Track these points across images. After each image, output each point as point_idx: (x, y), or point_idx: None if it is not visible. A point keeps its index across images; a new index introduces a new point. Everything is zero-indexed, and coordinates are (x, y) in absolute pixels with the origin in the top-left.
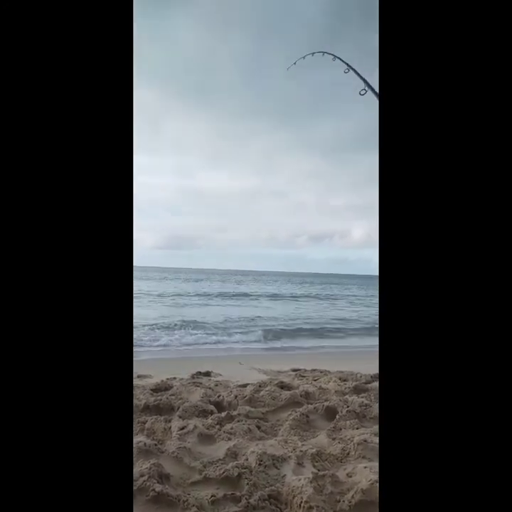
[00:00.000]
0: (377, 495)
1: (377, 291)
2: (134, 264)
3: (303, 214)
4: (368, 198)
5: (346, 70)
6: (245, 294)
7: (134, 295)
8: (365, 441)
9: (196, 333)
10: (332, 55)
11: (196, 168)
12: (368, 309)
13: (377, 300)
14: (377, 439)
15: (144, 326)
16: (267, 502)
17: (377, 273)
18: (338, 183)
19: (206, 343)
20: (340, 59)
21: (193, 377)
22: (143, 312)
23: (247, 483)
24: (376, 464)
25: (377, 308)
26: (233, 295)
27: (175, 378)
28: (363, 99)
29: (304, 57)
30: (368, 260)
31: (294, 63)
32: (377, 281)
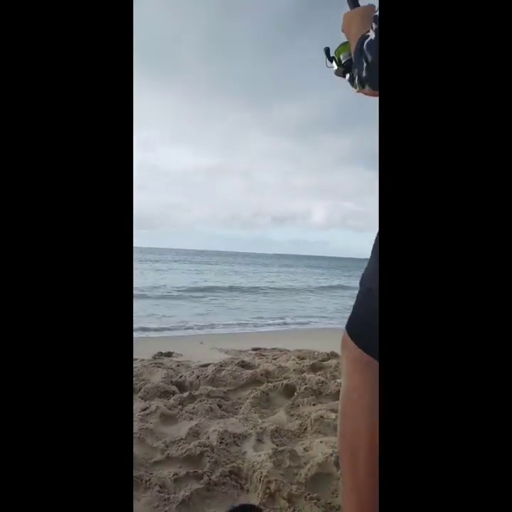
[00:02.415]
0: (332, 468)
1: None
2: None
3: (266, 194)
4: (329, 180)
5: None
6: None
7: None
8: (322, 417)
9: (156, 312)
10: None
11: (157, 144)
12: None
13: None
14: (333, 415)
15: None
16: (228, 478)
17: (334, 255)
18: (302, 164)
19: (167, 321)
20: None
21: (154, 357)
22: None
23: (209, 461)
24: (331, 439)
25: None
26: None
27: (136, 359)
28: (330, 84)
29: None
30: (326, 242)
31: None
32: (333, 263)
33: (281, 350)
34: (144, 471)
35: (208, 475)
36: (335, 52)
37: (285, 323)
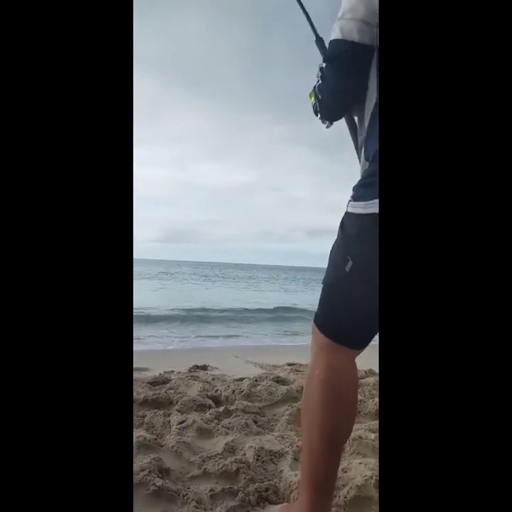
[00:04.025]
0: (372, 491)
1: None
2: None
3: (300, 208)
4: None
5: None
6: None
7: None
8: (360, 437)
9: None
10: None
11: (193, 161)
12: None
13: None
14: (371, 435)
15: (138, 313)
16: (264, 497)
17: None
18: (336, 178)
19: (203, 336)
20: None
21: (190, 370)
22: (136, 301)
23: (245, 478)
24: (371, 460)
25: None
26: None
27: (172, 372)
28: None
29: None
30: None
31: None
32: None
33: None
34: (182, 485)
35: (244, 492)
36: (309, 95)
37: None
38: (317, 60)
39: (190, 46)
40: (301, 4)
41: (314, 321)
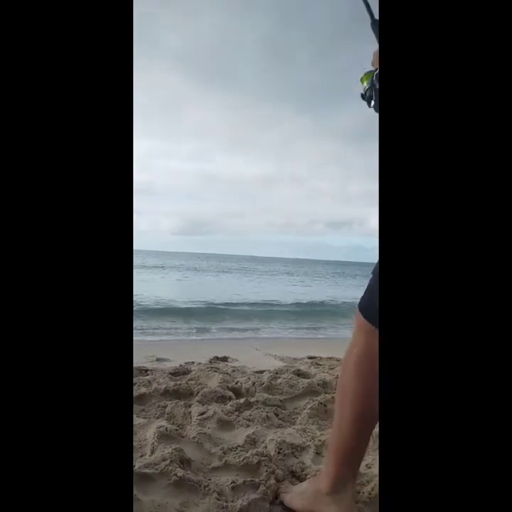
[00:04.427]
0: None
1: None
2: (152, 248)
3: (321, 201)
4: None
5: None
6: None
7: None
8: None
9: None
10: None
11: (215, 153)
12: None
13: None
14: None
15: (158, 306)
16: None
17: None
18: (358, 170)
19: (223, 328)
20: None
21: (210, 362)
22: (157, 293)
23: (267, 471)
24: None
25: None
26: None
27: (193, 363)
28: None
29: None
30: None
31: None
32: None
33: (338, 360)
34: (203, 476)
35: (265, 485)
36: (360, 79)
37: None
38: (338, 51)
39: (211, 39)
40: None
41: (358, 305)
